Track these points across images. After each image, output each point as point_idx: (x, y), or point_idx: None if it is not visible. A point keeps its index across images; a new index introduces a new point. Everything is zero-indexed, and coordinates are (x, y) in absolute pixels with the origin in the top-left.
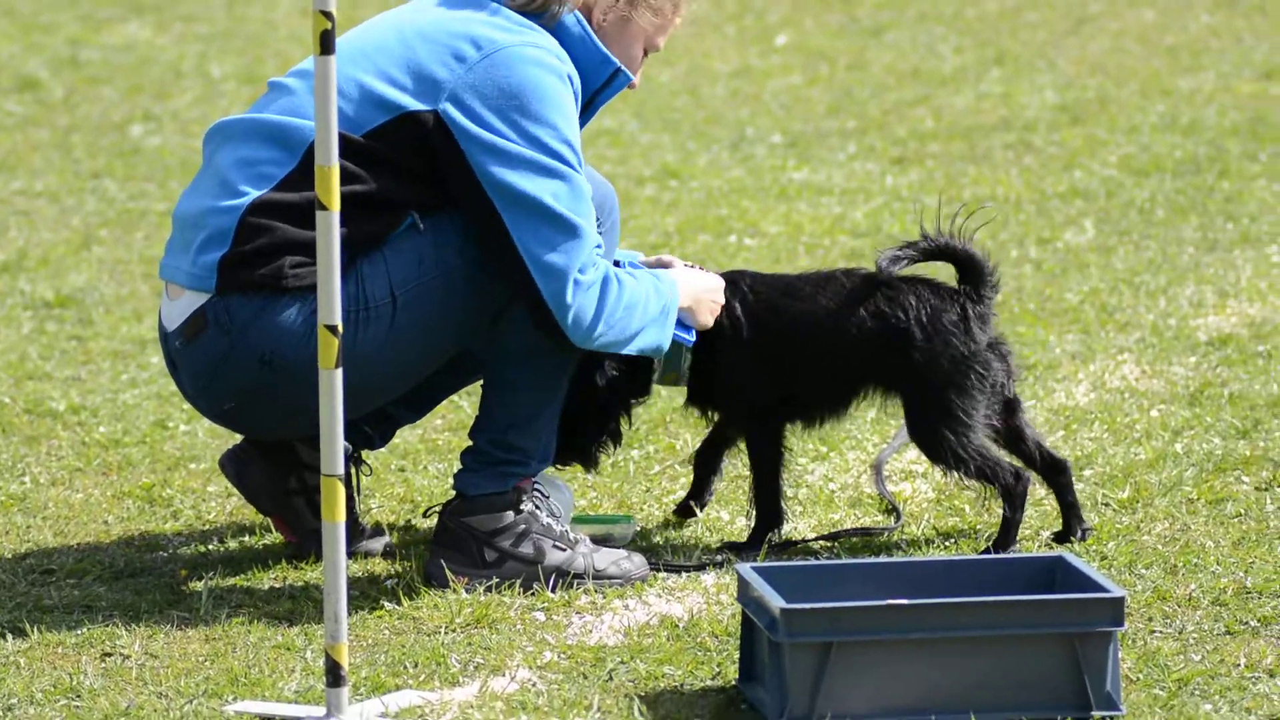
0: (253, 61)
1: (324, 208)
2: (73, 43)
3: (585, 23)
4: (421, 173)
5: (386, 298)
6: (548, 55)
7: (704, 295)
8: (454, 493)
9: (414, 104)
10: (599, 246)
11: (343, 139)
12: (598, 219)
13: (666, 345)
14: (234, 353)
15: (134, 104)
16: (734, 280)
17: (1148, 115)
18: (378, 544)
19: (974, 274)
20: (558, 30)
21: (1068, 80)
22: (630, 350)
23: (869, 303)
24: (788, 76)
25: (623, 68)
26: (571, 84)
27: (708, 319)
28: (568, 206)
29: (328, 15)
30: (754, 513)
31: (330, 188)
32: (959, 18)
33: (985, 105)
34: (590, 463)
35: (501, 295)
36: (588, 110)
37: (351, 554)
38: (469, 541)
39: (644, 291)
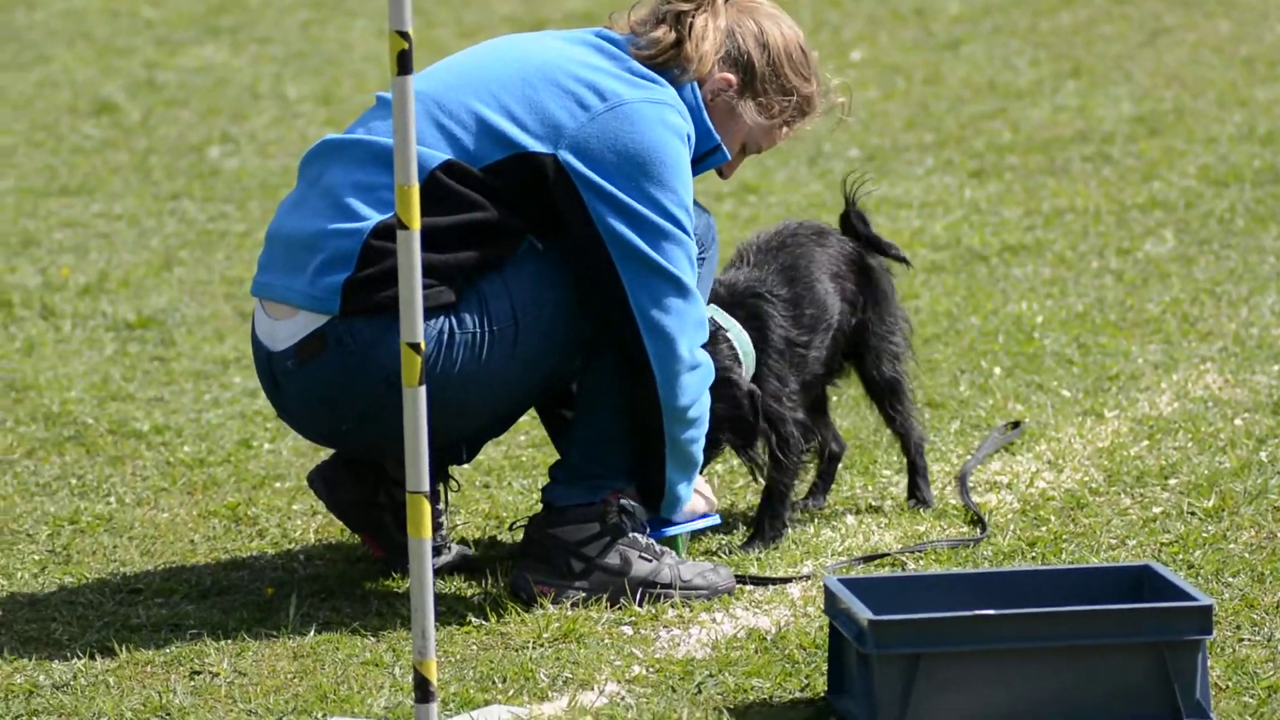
0: (329, 82)
1: (405, 227)
2: (149, 66)
3: (698, 92)
4: (538, 205)
5: (509, 318)
6: (672, 114)
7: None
8: (540, 506)
9: (533, 144)
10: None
11: (462, 169)
12: (703, 247)
13: (687, 497)
14: (358, 374)
15: (211, 126)
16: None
17: (1225, 126)
18: (464, 560)
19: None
20: (675, 91)
21: (1144, 92)
22: (678, 461)
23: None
24: (864, 91)
25: (722, 145)
26: (689, 144)
27: (696, 501)
28: (683, 270)
29: (404, 36)
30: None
31: (410, 207)
32: (1034, 30)
33: (1062, 118)
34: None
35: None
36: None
37: (438, 570)
38: (555, 552)
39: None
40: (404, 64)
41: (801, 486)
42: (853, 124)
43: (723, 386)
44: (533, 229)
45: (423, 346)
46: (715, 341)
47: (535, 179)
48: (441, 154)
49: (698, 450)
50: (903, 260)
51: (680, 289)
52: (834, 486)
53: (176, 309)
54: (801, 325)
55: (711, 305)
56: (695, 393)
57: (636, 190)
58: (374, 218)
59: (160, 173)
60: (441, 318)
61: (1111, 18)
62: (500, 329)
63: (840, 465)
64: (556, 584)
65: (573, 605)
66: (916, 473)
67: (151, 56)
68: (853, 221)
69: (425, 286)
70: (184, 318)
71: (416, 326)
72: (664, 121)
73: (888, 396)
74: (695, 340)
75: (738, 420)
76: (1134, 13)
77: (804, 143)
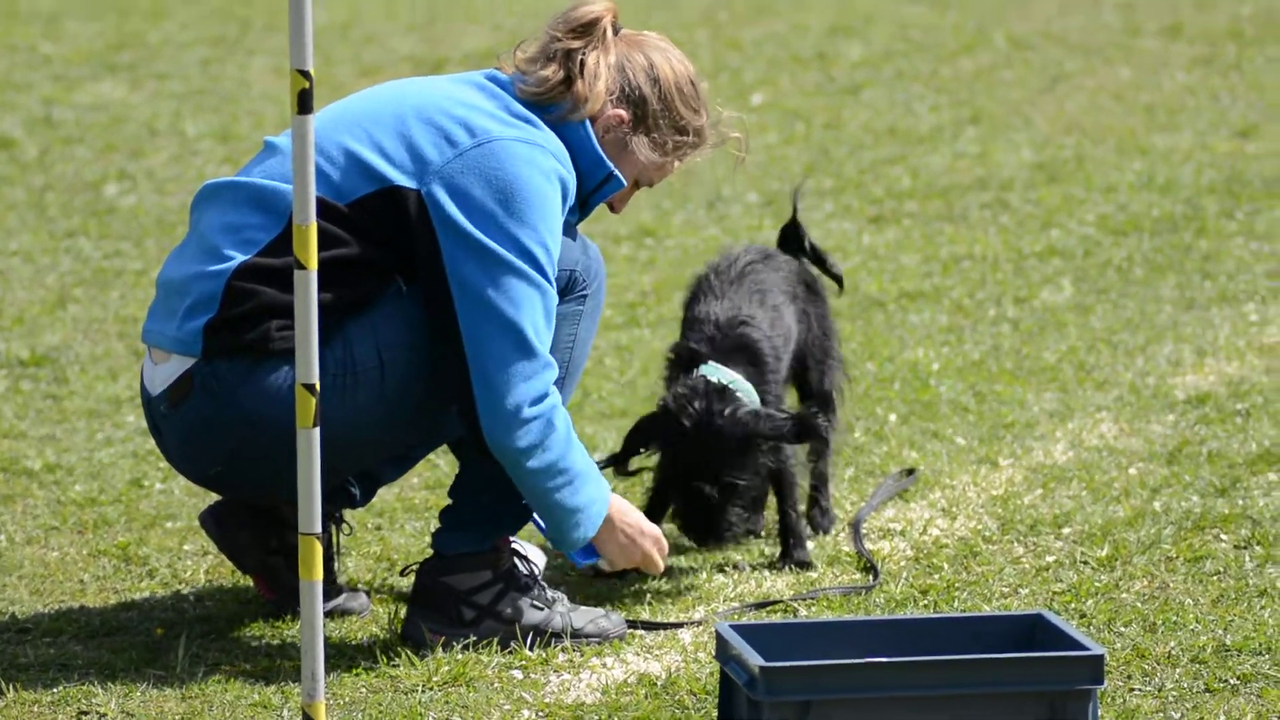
0: (228, 119)
1: (302, 266)
2: (46, 101)
3: (590, 129)
4: (403, 243)
5: (374, 360)
6: (542, 154)
7: (627, 526)
8: (431, 551)
9: (400, 179)
10: (557, 377)
11: (327, 205)
12: (585, 283)
13: (583, 538)
14: (221, 416)
15: (108, 163)
16: (719, 323)
17: (1124, 174)
18: (355, 603)
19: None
20: (562, 128)
21: (1044, 139)
22: (540, 508)
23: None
24: (764, 135)
25: (616, 172)
26: (563, 185)
27: (615, 553)
28: (524, 312)
29: (305, 75)
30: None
31: (307, 246)
32: (935, 76)
33: (962, 164)
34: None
35: None
36: (583, 209)
37: (329, 613)
38: (446, 600)
39: (585, 466)
40: (304, 103)
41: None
42: (750, 168)
43: (759, 439)
44: (400, 269)
45: (317, 388)
46: (727, 399)
47: (400, 215)
48: None
49: (562, 499)
50: (838, 279)
51: (518, 338)
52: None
53: (70, 347)
54: (777, 349)
55: (710, 363)
56: (528, 440)
57: (493, 226)
58: (237, 258)
59: (56, 209)
60: None
61: (1012, 64)
62: (364, 370)
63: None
64: (447, 631)
65: (463, 649)
66: (822, 481)
67: (49, 92)
68: (797, 235)
69: (284, 328)
70: (77, 356)
71: (312, 367)
72: (533, 161)
73: (824, 408)
74: (525, 392)
75: (791, 447)
76: (1035, 59)
77: (702, 186)
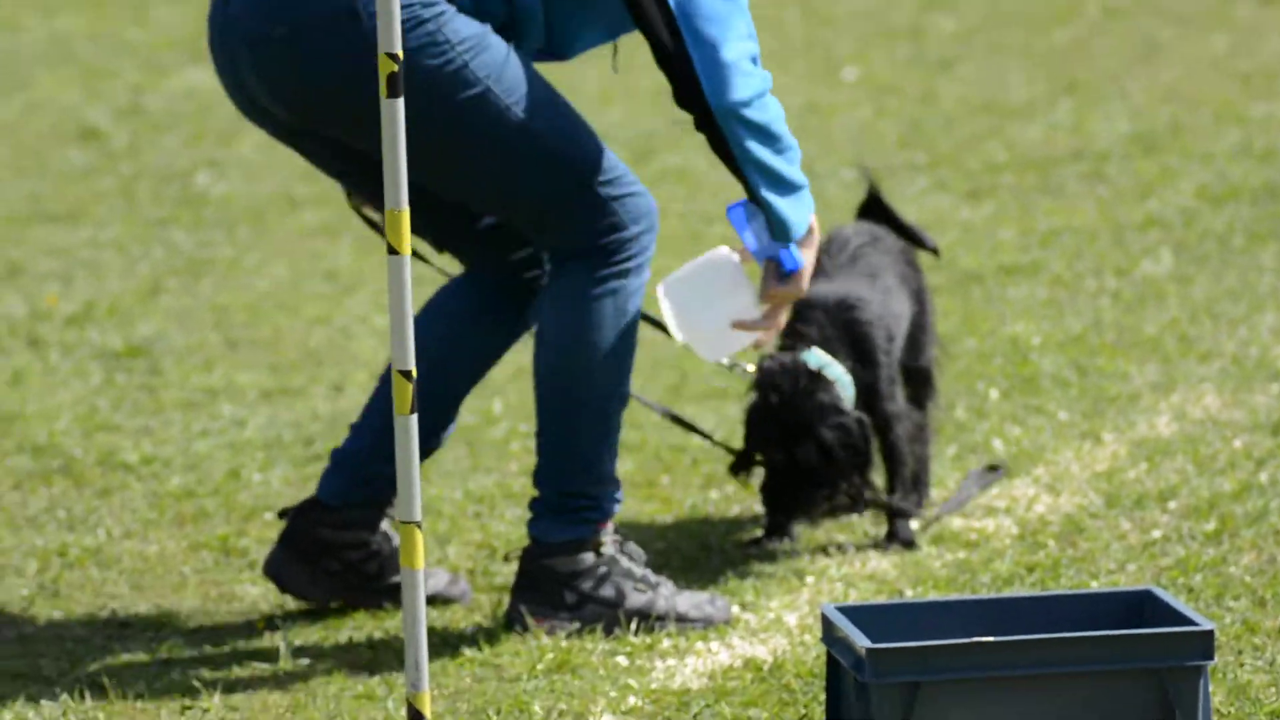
0: None
1: (395, 252)
2: (134, 90)
3: None
4: None
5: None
6: None
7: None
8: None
9: None
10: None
11: None
12: (645, 227)
13: (805, 219)
14: None
15: (198, 151)
16: (836, 312)
17: (1222, 142)
18: (455, 589)
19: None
20: None
21: (1140, 109)
22: (765, 166)
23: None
24: (856, 111)
25: None
26: None
27: (810, 262)
28: None
29: (394, 58)
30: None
31: (401, 231)
32: (1029, 49)
33: (1057, 136)
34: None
35: None
36: None
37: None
38: (549, 584)
39: (796, 146)
40: (393, 86)
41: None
42: (843, 143)
43: (831, 416)
44: None
45: (414, 374)
46: (817, 383)
47: None
48: None
49: (783, 164)
50: (934, 250)
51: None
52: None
53: (164, 337)
54: (891, 331)
55: (813, 349)
56: (750, 91)
57: None
58: None
59: (147, 199)
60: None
61: (1106, 34)
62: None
63: None
64: (550, 616)
65: (567, 636)
66: (923, 464)
67: (137, 80)
68: (883, 210)
69: None
70: (171, 346)
71: (408, 353)
72: None
73: (921, 385)
74: (742, 50)
75: (849, 447)
76: (1129, 29)
77: None
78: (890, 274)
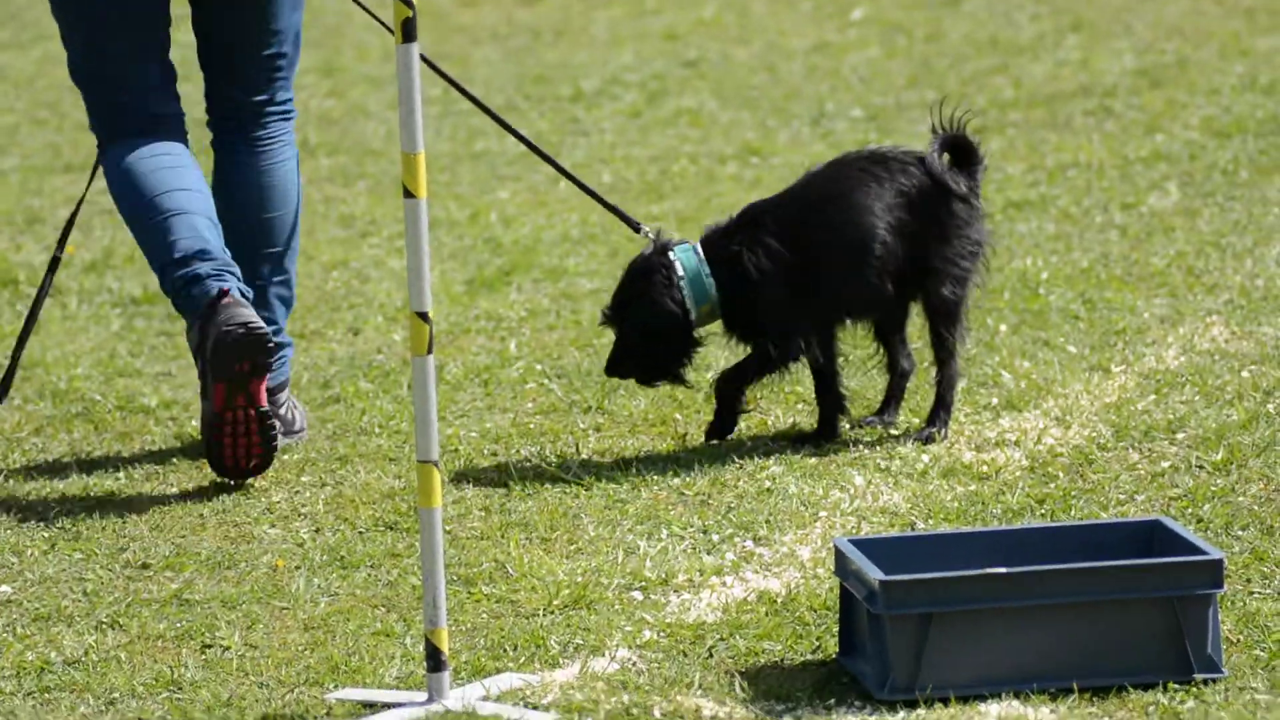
0: (331, 53)
1: (411, 195)
2: None
3: None
4: None
5: None
6: None
7: None
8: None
9: None
10: None
11: None
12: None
13: None
14: None
15: None
16: (755, 219)
17: (1227, 76)
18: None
19: (969, 156)
20: None
21: (1145, 44)
22: None
23: (888, 204)
24: (865, 50)
25: None
26: None
27: None
28: None
29: (408, 3)
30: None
31: (416, 175)
32: None
33: (1064, 72)
34: (683, 382)
35: None
36: None
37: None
38: None
39: None
40: (408, 32)
41: (873, 404)
42: (853, 82)
43: (649, 297)
44: None
45: (431, 315)
46: (657, 268)
47: None
48: None
49: None
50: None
51: None
52: (841, 448)
53: None
54: (807, 251)
55: (687, 242)
56: None
57: None
58: None
59: None
60: None
61: None
62: None
63: (849, 427)
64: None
65: (581, 573)
66: (941, 406)
67: None
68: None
69: None
70: None
71: (425, 295)
72: None
73: (941, 319)
74: None
75: (648, 329)
76: None
77: (806, 102)
78: (864, 198)
